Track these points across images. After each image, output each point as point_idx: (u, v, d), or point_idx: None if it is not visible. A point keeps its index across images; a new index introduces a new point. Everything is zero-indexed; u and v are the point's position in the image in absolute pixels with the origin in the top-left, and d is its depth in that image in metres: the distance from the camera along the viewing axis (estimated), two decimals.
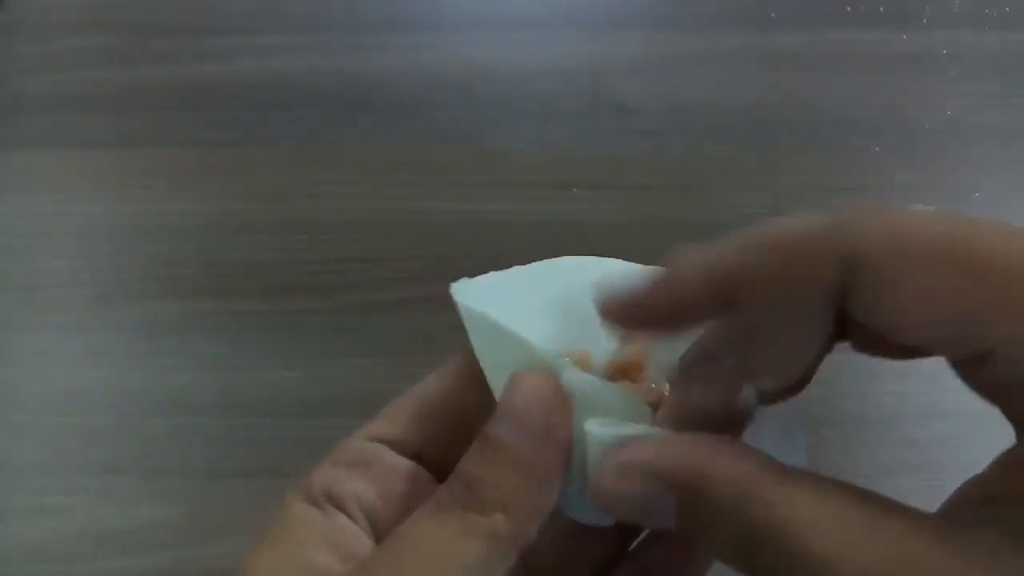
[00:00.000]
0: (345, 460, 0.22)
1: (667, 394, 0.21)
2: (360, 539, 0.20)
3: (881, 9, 0.58)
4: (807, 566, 0.15)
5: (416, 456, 0.22)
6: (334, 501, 0.21)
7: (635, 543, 0.23)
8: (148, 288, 0.49)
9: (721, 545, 0.17)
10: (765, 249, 0.18)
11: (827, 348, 0.20)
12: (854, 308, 0.17)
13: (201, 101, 0.55)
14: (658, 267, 0.20)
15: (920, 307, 0.16)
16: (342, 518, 0.20)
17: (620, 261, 0.22)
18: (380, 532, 0.21)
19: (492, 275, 0.22)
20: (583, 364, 0.21)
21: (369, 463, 0.21)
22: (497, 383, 0.20)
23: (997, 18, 0.58)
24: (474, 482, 0.18)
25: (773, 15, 0.58)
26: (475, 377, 0.21)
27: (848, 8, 0.58)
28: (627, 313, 0.19)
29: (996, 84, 0.55)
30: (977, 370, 0.17)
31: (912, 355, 0.19)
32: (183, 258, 0.49)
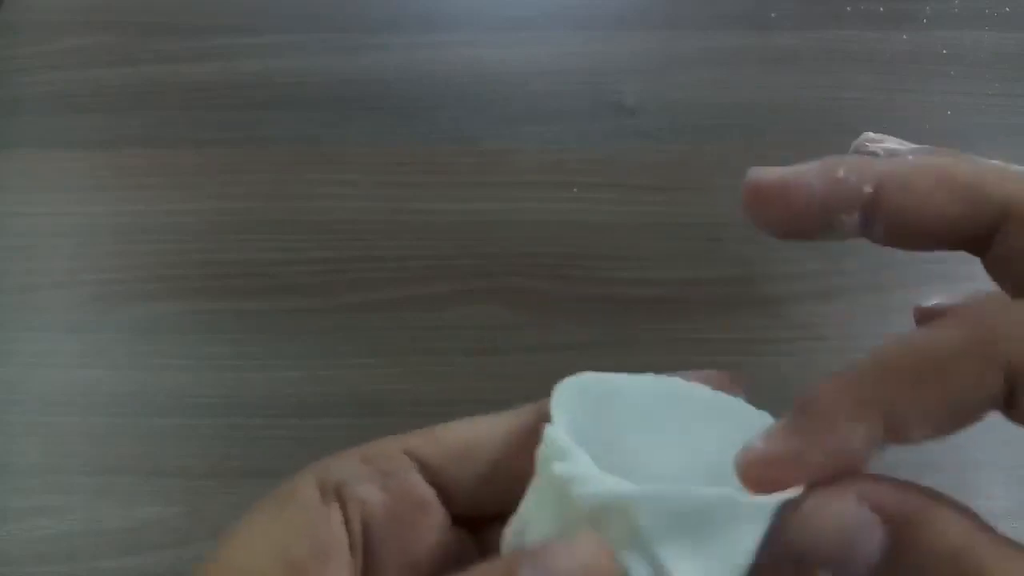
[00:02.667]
0: (372, 460, 0.21)
1: None
2: (342, 549, 0.20)
3: (881, 9, 0.58)
4: None
5: (442, 486, 0.21)
6: (339, 498, 0.21)
7: None
8: (148, 288, 0.49)
9: None
10: (919, 376, 0.17)
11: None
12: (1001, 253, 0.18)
13: (201, 101, 0.55)
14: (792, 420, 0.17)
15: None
16: (336, 518, 0.20)
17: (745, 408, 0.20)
18: (369, 541, 0.20)
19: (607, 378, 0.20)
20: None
21: (393, 473, 0.21)
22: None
23: (997, 18, 0.58)
24: None
25: (773, 15, 0.58)
26: (532, 438, 0.20)
27: (848, 8, 0.59)
28: (775, 470, 0.17)
29: (996, 84, 0.55)
30: None
31: None
32: (183, 258, 0.49)
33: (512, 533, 0.19)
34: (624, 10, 0.59)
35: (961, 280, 0.49)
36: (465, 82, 0.55)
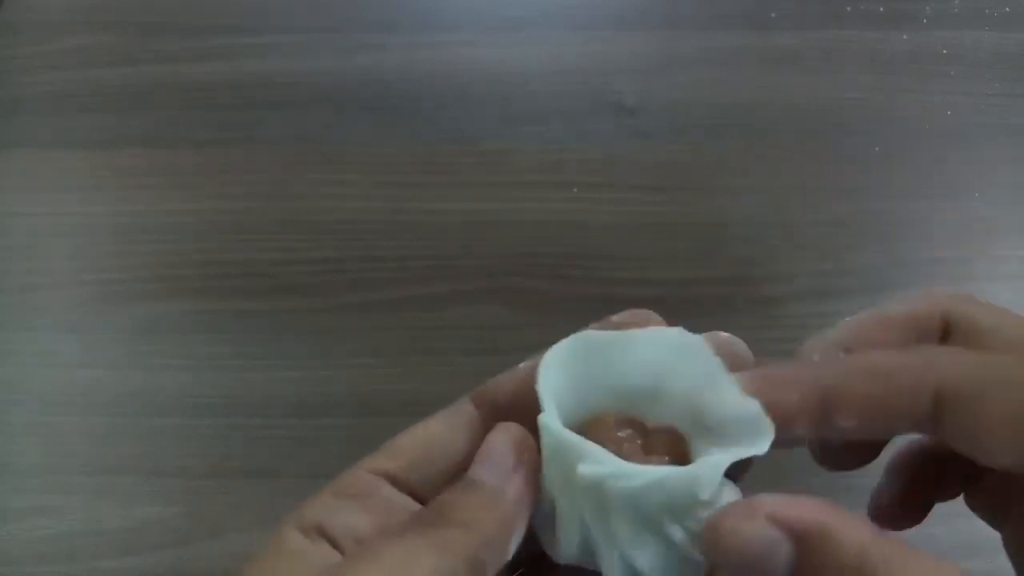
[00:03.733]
0: (344, 491, 0.22)
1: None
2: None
3: (881, 9, 0.58)
4: None
5: (413, 493, 0.22)
6: (325, 534, 0.21)
7: None
8: (148, 288, 0.49)
9: None
10: (863, 378, 0.20)
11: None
12: (944, 435, 0.20)
13: (201, 101, 0.55)
14: (752, 375, 0.21)
15: (1004, 430, 0.19)
16: (327, 551, 0.21)
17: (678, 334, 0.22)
18: None
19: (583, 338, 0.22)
20: (604, 426, 0.22)
21: (368, 494, 0.22)
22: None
23: (997, 18, 0.58)
24: (443, 505, 0.20)
25: (773, 15, 0.58)
26: (473, 428, 0.22)
27: (848, 8, 0.59)
28: None
29: (996, 84, 0.55)
30: None
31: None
32: (183, 258, 0.49)
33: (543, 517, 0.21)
34: (624, 10, 0.59)
35: (961, 280, 0.49)
36: (465, 82, 0.55)
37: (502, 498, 0.20)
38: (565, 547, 0.21)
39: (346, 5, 0.59)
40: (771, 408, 0.20)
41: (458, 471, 0.22)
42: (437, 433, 0.23)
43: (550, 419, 0.21)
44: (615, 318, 0.23)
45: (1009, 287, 0.48)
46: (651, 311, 0.23)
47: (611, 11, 0.59)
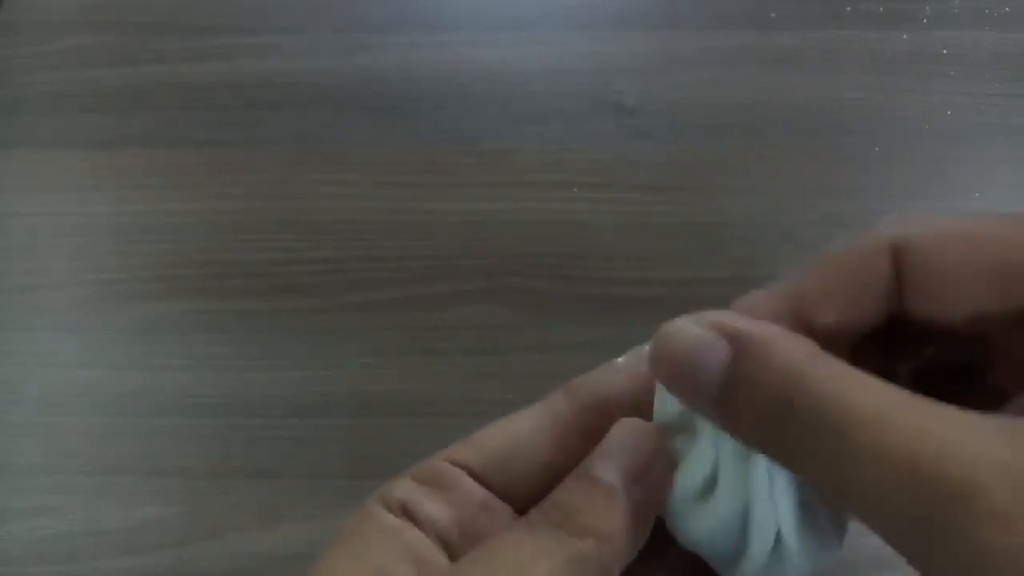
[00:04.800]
0: (425, 478, 0.21)
1: None
2: (436, 555, 0.20)
3: (881, 9, 0.58)
4: (846, 448, 0.15)
5: (495, 491, 0.22)
6: (411, 517, 0.20)
7: None
8: (148, 288, 0.49)
9: (755, 413, 0.17)
10: (821, 268, 0.21)
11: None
12: (906, 291, 0.19)
13: (201, 101, 0.55)
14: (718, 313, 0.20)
15: (963, 274, 0.18)
16: (418, 533, 0.20)
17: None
18: (452, 557, 0.20)
19: None
20: None
21: (448, 486, 0.21)
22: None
23: (997, 18, 0.58)
24: (569, 508, 0.19)
25: (773, 15, 0.58)
26: (565, 426, 0.22)
27: (848, 8, 0.58)
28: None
29: (996, 84, 0.55)
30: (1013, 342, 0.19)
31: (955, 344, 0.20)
32: (183, 258, 0.49)
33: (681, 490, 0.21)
34: (624, 10, 0.59)
35: None
36: (465, 82, 0.55)
37: (634, 505, 0.19)
38: (719, 524, 0.20)
39: (346, 5, 0.59)
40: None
41: (544, 469, 0.21)
42: (524, 429, 0.22)
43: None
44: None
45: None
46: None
47: (611, 11, 0.59)
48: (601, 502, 0.19)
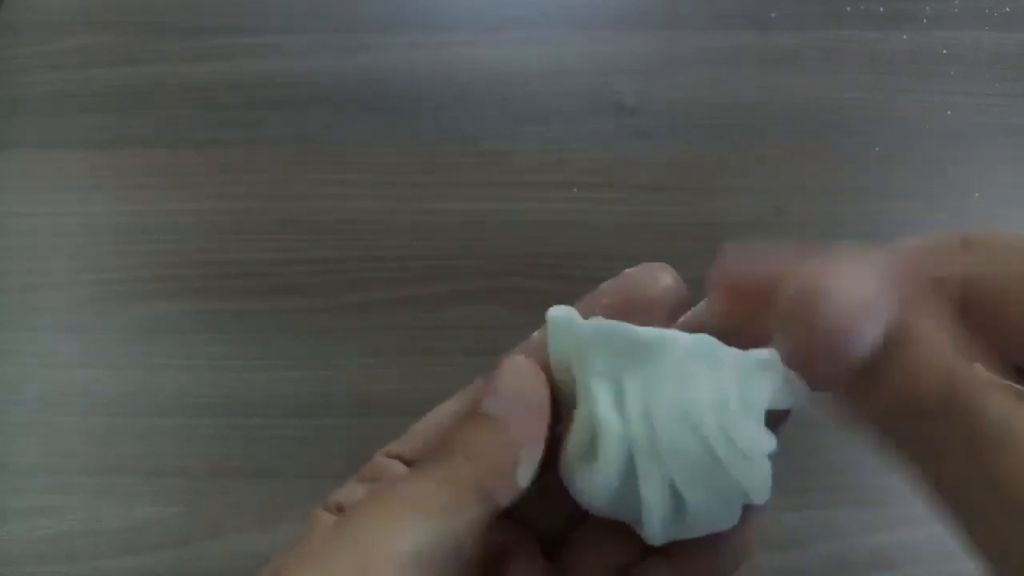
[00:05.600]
0: (363, 476, 0.23)
1: None
2: None
3: (881, 9, 0.58)
4: (987, 464, 0.14)
5: None
6: (343, 511, 0.22)
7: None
8: (148, 288, 0.49)
9: (905, 398, 0.15)
10: (905, 259, 0.18)
11: None
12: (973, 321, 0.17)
13: (201, 101, 0.55)
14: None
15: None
16: None
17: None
18: None
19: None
20: None
21: (382, 476, 0.22)
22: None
23: (997, 18, 0.58)
24: (447, 439, 0.20)
25: (773, 15, 0.58)
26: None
27: (848, 8, 0.59)
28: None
29: (996, 84, 0.55)
30: None
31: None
32: (183, 258, 0.49)
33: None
34: (624, 10, 0.59)
35: None
36: (465, 82, 0.55)
37: (506, 426, 0.20)
38: (603, 483, 0.20)
39: (346, 5, 0.59)
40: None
41: None
42: (449, 413, 0.23)
43: (576, 317, 0.21)
44: (628, 272, 0.23)
45: None
46: (666, 264, 0.23)
47: (611, 11, 0.59)
48: (478, 431, 0.20)
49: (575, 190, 0.51)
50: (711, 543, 0.21)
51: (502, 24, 0.58)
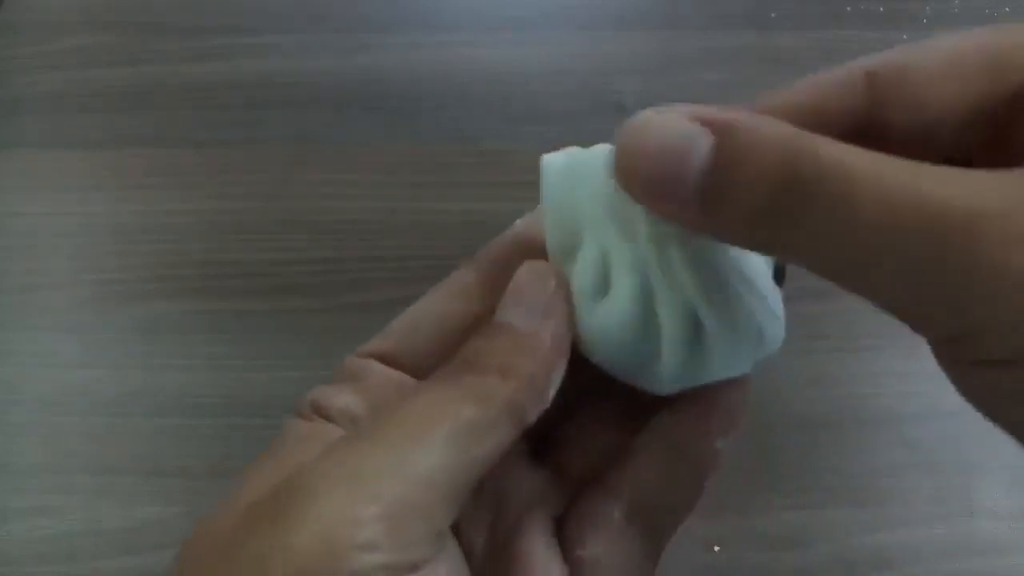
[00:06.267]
0: (338, 378, 0.21)
1: None
2: None
3: (881, 9, 0.58)
4: (855, 211, 0.14)
5: (404, 366, 0.21)
6: (321, 413, 0.20)
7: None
8: (148, 288, 0.49)
9: (750, 197, 0.15)
10: (802, 84, 0.20)
11: None
12: (884, 105, 0.18)
13: (201, 101, 0.55)
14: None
15: (946, 73, 0.17)
16: (330, 426, 0.20)
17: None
18: None
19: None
20: None
21: (358, 377, 0.21)
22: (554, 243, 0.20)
23: (997, 18, 0.58)
24: (473, 354, 0.19)
25: (773, 15, 0.58)
26: (469, 291, 0.21)
27: (848, 8, 0.59)
28: None
29: None
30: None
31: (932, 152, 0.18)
32: (183, 258, 0.49)
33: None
34: (624, 10, 0.59)
35: None
36: (465, 82, 0.55)
37: (540, 339, 0.19)
38: (618, 313, 0.18)
39: (346, 5, 0.59)
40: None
41: (456, 337, 0.20)
42: (429, 306, 0.22)
43: (576, 152, 0.19)
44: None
45: None
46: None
47: (611, 11, 0.59)
48: (504, 343, 0.18)
49: None
50: (704, 408, 0.20)
51: (502, 24, 0.58)
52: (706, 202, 0.16)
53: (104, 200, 0.52)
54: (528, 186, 0.56)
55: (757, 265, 0.19)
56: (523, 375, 0.18)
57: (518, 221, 0.22)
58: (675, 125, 0.16)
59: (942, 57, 0.18)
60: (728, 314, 0.18)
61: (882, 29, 0.57)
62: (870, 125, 0.18)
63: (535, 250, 0.21)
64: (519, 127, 0.54)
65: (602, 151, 0.19)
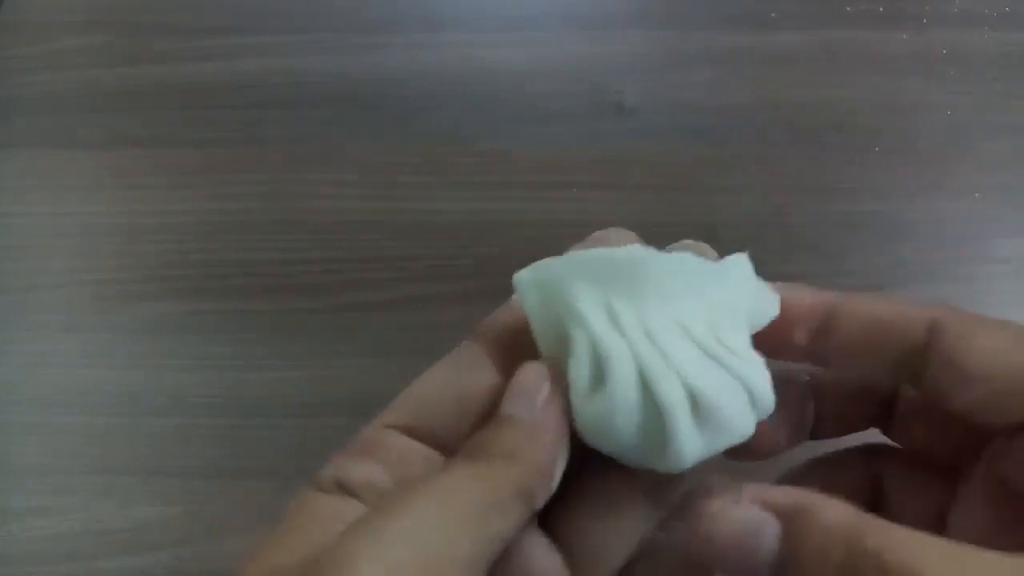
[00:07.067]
0: (356, 450, 0.22)
1: None
2: None
3: (881, 9, 0.58)
4: None
5: (430, 443, 0.22)
6: (345, 489, 0.21)
7: None
8: (148, 288, 0.49)
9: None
10: (866, 299, 0.22)
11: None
12: (931, 366, 0.20)
13: (201, 101, 0.55)
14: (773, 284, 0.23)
15: (987, 357, 0.19)
16: (354, 503, 0.21)
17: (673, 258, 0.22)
18: None
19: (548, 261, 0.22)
20: None
21: (380, 448, 0.22)
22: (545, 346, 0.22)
23: (997, 18, 0.58)
24: (482, 442, 0.20)
25: (773, 15, 0.58)
26: (481, 364, 0.22)
27: (848, 8, 0.58)
28: None
29: (996, 84, 0.55)
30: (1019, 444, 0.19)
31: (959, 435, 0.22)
32: (183, 258, 0.49)
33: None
34: (624, 10, 0.59)
35: (961, 280, 0.49)
36: (465, 82, 0.55)
37: (542, 429, 0.20)
38: (619, 402, 0.20)
39: (346, 5, 0.59)
40: (787, 300, 0.22)
41: (474, 411, 0.22)
42: (443, 378, 0.23)
43: (543, 265, 0.21)
44: (597, 233, 0.24)
45: (1009, 288, 0.48)
46: (630, 232, 0.24)
47: (611, 11, 0.59)
48: (510, 433, 0.20)
49: (575, 190, 0.51)
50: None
51: (502, 24, 0.58)
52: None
53: (104, 200, 0.52)
54: (528, 186, 0.57)
55: (737, 318, 0.21)
56: (528, 460, 0.20)
57: (515, 296, 0.23)
58: (745, 517, 0.18)
59: (989, 346, 0.20)
60: (721, 384, 0.20)
61: (882, 29, 0.57)
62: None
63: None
64: (519, 127, 0.54)
65: (571, 257, 0.21)
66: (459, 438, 0.21)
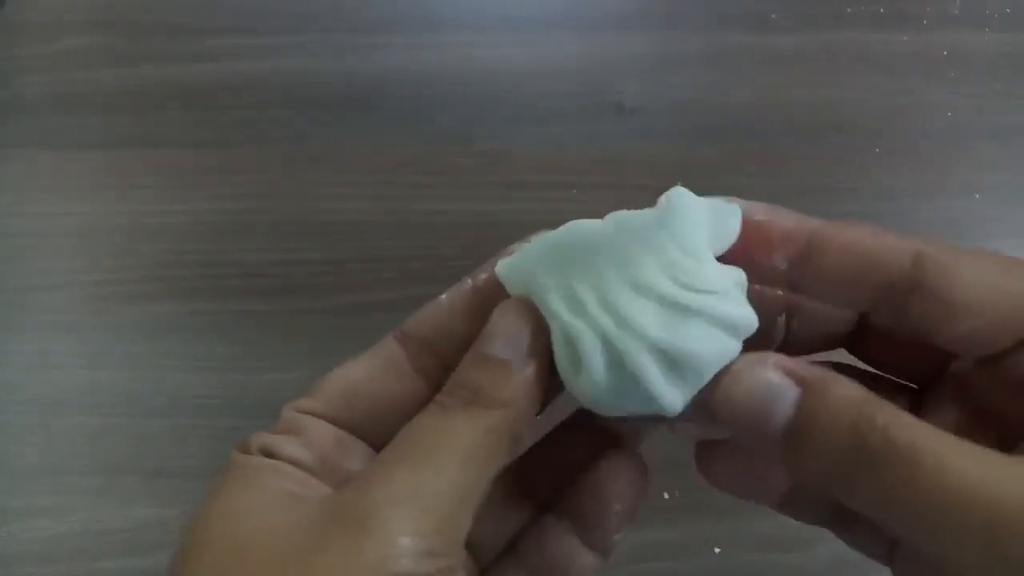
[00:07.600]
0: (278, 430, 0.23)
1: None
2: (310, 479, 0.21)
3: (881, 9, 0.58)
4: (911, 482, 0.16)
5: (346, 429, 0.23)
6: (274, 457, 0.22)
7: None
8: (148, 288, 0.49)
9: (831, 454, 0.18)
10: (851, 228, 0.22)
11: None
12: (915, 298, 0.20)
13: (201, 101, 0.55)
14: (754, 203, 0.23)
15: (974, 290, 0.19)
16: (289, 466, 0.22)
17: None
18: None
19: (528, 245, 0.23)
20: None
21: (301, 431, 0.23)
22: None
23: (997, 18, 0.58)
24: (474, 385, 0.20)
25: (773, 15, 0.58)
26: (405, 364, 0.23)
27: (848, 8, 0.59)
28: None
29: (996, 84, 0.55)
30: (992, 368, 0.19)
31: (928, 363, 0.22)
32: (183, 258, 0.49)
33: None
34: (624, 10, 0.59)
35: None
36: (465, 82, 0.55)
37: (531, 375, 0.21)
38: (597, 380, 0.20)
39: (346, 5, 0.59)
40: (766, 224, 0.21)
41: (388, 404, 0.22)
42: (362, 371, 0.23)
43: (513, 257, 0.22)
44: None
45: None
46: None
47: (611, 11, 0.59)
48: (500, 376, 0.21)
49: (575, 190, 0.51)
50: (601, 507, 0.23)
51: (502, 24, 0.58)
52: (788, 448, 0.18)
53: (104, 200, 0.52)
54: (528, 186, 0.57)
55: (698, 253, 0.21)
56: (521, 407, 0.20)
57: (443, 297, 0.26)
58: (767, 379, 0.19)
59: (974, 277, 0.20)
60: (695, 332, 0.20)
61: (882, 30, 0.58)
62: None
63: (460, 337, 0.23)
64: (519, 127, 0.54)
65: (530, 249, 0.23)
66: (377, 432, 0.22)
